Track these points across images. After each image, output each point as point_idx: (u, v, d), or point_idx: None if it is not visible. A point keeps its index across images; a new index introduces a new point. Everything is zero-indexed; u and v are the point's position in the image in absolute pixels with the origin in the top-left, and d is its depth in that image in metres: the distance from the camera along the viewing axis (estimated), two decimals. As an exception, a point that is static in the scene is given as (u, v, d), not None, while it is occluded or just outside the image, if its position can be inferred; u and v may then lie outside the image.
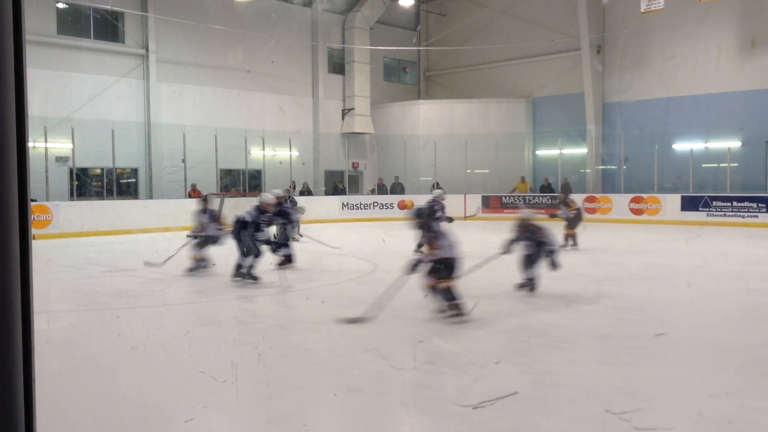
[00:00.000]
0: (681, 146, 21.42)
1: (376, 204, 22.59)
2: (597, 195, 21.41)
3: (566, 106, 23.96)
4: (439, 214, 12.42)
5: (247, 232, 8.88)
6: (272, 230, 14.90)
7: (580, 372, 4.84)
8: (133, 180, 20.72)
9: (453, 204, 22.38)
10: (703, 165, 20.81)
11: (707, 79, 20.80)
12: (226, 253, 12.88)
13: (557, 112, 24.38)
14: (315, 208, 21.61)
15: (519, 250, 8.13)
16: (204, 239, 10.33)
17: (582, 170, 23.57)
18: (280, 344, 5.79)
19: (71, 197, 18.12)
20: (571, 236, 12.91)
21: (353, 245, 14.17)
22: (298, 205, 14.88)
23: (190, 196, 19.46)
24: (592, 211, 20.87)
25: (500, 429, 3.79)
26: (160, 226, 17.53)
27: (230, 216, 16.75)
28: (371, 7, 25.08)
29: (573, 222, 12.92)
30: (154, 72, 20.39)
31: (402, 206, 22.56)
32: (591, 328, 6.27)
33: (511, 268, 10.82)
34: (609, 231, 17.35)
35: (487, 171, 23.85)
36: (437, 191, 13.26)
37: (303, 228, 15.74)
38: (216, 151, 20.37)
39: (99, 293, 8.38)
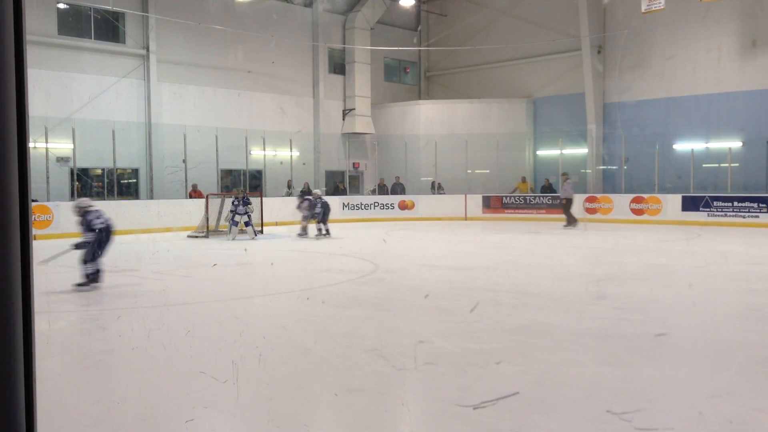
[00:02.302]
0: (682, 146, 21.41)
1: (376, 204, 22.59)
2: (598, 195, 21.41)
3: (567, 107, 23.96)
4: (318, 209, 15.77)
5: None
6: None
7: (580, 372, 4.84)
8: (134, 180, 20.72)
9: (453, 204, 22.47)
10: (704, 165, 20.81)
11: (708, 79, 20.79)
12: (226, 253, 12.91)
13: (558, 112, 24.38)
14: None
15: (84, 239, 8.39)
16: None
17: (583, 170, 23.57)
18: (281, 345, 5.79)
19: (72, 197, 18.12)
20: (305, 227, 16.04)
21: (354, 245, 14.17)
22: (251, 204, 15.61)
23: (190, 197, 19.48)
24: (592, 211, 20.87)
25: (501, 429, 3.79)
26: (160, 226, 17.54)
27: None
28: (372, 7, 25.09)
29: (323, 216, 15.91)
30: (155, 72, 20.40)
31: (403, 206, 22.57)
32: (591, 328, 6.27)
33: (511, 268, 10.83)
34: (610, 231, 17.35)
35: (488, 171, 23.86)
36: (316, 191, 16.99)
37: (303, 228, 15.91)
38: (217, 151, 20.37)
39: (100, 293, 8.38)
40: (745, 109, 20.16)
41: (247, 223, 15.77)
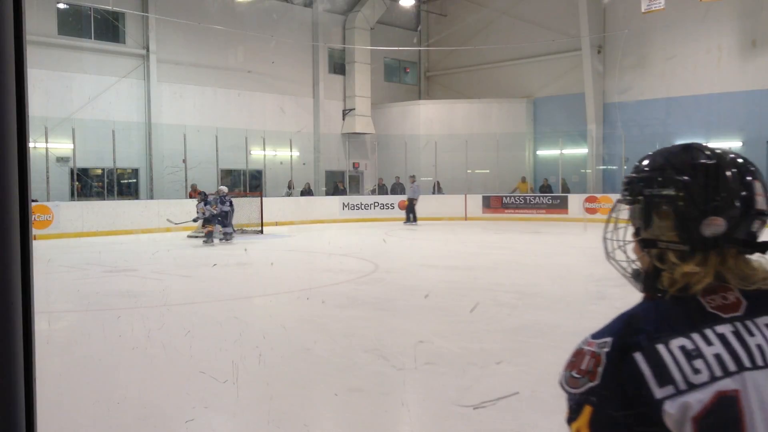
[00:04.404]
0: (682, 146, 21.39)
1: (376, 204, 22.59)
2: (598, 195, 21.40)
3: (567, 106, 23.95)
4: (228, 208, 14.93)
5: None
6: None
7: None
8: (134, 180, 20.72)
9: (453, 204, 22.46)
10: (704, 165, 20.81)
11: (708, 79, 20.79)
12: (226, 253, 12.91)
13: (558, 112, 24.37)
14: (315, 208, 21.64)
15: None
16: None
17: (583, 170, 23.57)
18: (281, 344, 5.79)
19: (72, 197, 18.12)
20: (209, 232, 14.57)
21: (354, 245, 14.17)
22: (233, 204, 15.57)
23: (190, 197, 19.47)
24: (592, 211, 20.87)
25: (501, 429, 3.79)
26: (160, 226, 17.52)
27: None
28: (372, 7, 25.09)
29: (209, 221, 14.69)
30: (155, 72, 20.39)
31: (403, 206, 22.58)
32: (591, 328, 6.21)
33: (511, 268, 10.84)
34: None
35: (488, 171, 23.86)
36: (222, 187, 15.81)
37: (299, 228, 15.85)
38: (217, 151, 20.37)
39: (100, 293, 8.38)
40: (745, 109, 20.15)
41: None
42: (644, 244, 1.09)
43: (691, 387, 0.92)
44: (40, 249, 12.68)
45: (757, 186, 1.02)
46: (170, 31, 20.61)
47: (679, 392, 0.92)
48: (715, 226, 1.00)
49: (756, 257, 1.04)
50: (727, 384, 0.91)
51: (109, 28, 19.83)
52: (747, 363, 0.93)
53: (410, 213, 20.45)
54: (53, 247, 13.74)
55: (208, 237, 14.48)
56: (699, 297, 1.00)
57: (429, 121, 25.10)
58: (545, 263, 11.47)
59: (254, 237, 16.49)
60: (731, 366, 0.93)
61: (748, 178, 1.02)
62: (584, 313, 7.02)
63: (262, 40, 22.35)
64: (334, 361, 5.22)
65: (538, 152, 25.17)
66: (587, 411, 0.98)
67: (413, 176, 21.36)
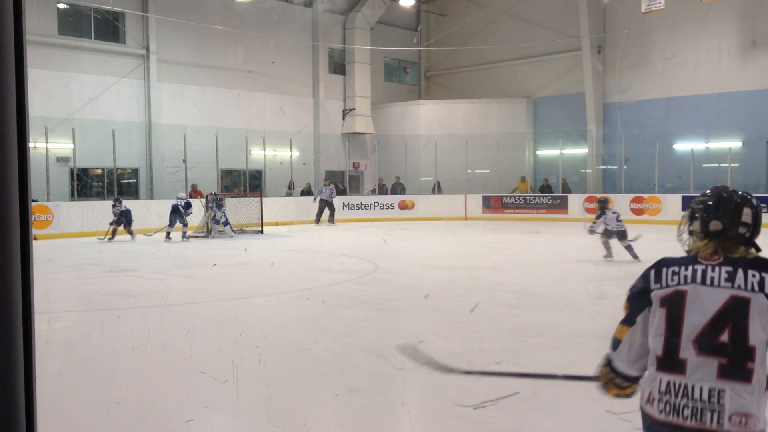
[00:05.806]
0: (682, 146, 21.39)
1: (376, 204, 22.60)
2: (598, 195, 21.36)
3: (567, 106, 23.94)
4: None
5: None
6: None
7: (580, 372, 4.83)
8: (134, 180, 20.71)
9: (453, 204, 22.46)
10: (704, 165, 20.79)
11: (708, 79, 20.78)
12: (226, 253, 12.91)
13: (558, 112, 24.37)
14: (316, 208, 21.63)
15: None
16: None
17: (583, 170, 23.56)
18: (281, 344, 5.79)
19: (72, 197, 18.12)
20: (113, 233, 15.25)
21: (354, 245, 14.17)
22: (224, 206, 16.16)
23: (190, 197, 19.46)
24: (592, 211, 20.85)
25: (501, 429, 3.79)
26: (160, 226, 17.52)
27: (231, 216, 16.86)
28: (372, 7, 25.08)
29: (118, 222, 15.24)
30: (155, 72, 20.39)
31: (403, 206, 22.58)
32: (591, 328, 6.27)
33: (511, 268, 10.84)
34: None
35: (488, 171, 23.85)
36: (180, 194, 16.49)
37: (306, 228, 15.85)
38: (217, 151, 20.36)
39: (99, 293, 8.38)
40: (745, 109, 20.15)
41: (225, 223, 16.12)
42: (689, 233, 2.03)
43: (667, 286, 1.93)
44: (40, 249, 12.67)
45: (745, 210, 1.94)
46: (170, 31, 20.61)
47: (662, 287, 1.94)
48: (714, 225, 1.95)
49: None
50: (683, 287, 1.90)
51: (109, 28, 19.83)
52: (699, 281, 1.89)
53: (320, 214, 20.68)
54: (53, 247, 13.74)
55: (113, 235, 15.25)
56: (698, 255, 1.95)
57: (429, 121, 25.09)
58: (545, 263, 11.48)
59: (254, 237, 16.50)
60: (689, 280, 1.90)
61: (740, 202, 1.95)
62: (584, 313, 7.02)
63: (262, 40, 22.34)
64: (334, 361, 5.22)
65: (538, 152, 25.16)
66: (629, 296, 2.02)
67: (328, 179, 22.13)
